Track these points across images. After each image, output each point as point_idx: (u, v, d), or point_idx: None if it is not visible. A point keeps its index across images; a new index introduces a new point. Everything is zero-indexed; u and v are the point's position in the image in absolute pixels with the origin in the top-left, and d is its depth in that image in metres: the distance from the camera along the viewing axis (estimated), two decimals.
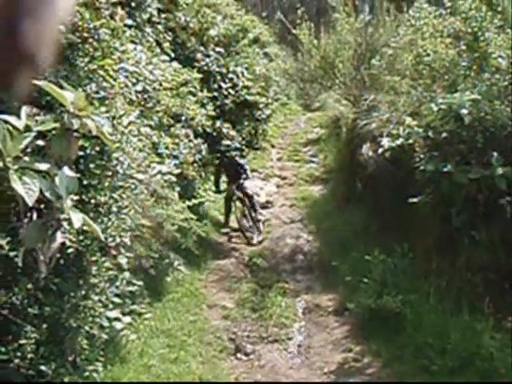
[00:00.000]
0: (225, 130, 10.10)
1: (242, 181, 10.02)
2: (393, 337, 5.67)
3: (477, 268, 5.56)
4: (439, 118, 5.90)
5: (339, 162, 11.21)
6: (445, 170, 5.56)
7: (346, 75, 10.37)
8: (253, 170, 12.35)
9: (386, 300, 5.98)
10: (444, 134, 5.81)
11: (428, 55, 7.25)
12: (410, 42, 8.09)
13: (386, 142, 6.62)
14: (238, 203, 10.00)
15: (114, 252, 3.86)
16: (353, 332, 6.31)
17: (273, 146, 15.63)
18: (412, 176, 6.12)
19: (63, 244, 2.84)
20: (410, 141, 6.18)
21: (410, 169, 6.10)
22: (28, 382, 3.36)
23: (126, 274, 5.22)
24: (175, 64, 7.92)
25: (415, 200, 6.00)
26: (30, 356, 3.16)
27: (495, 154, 5.38)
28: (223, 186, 10.47)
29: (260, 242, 9.50)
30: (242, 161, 10.39)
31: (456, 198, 5.64)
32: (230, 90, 10.75)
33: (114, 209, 3.49)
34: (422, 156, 5.96)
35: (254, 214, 9.98)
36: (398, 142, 6.33)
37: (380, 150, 6.83)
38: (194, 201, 7.02)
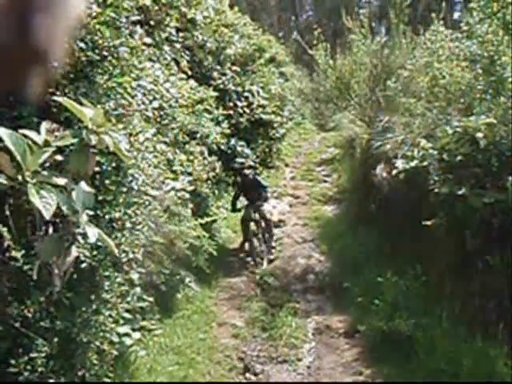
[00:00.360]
0: (239, 148, 10.14)
1: (261, 203, 9.68)
2: (404, 361, 5.60)
3: (491, 293, 5.49)
4: (454, 141, 5.88)
5: (353, 183, 11.20)
6: (459, 193, 5.52)
7: (361, 96, 10.41)
8: None
9: (398, 323, 5.91)
10: (459, 157, 5.78)
11: (444, 78, 7.26)
12: (425, 65, 8.11)
13: (400, 163, 6.61)
14: (253, 225, 9.67)
15: (126, 268, 3.87)
16: (363, 355, 6.24)
17: (287, 165, 15.66)
18: (426, 198, 6.09)
19: (77, 258, 2.87)
20: (425, 163, 6.16)
21: (424, 191, 6.08)
22: (31, 382, 3.35)
23: (137, 290, 5.22)
24: (192, 82, 8.01)
25: (429, 223, 5.96)
26: (40, 370, 3.16)
27: (510, 178, 5.34)
28: (239, 205, 10.10)
29: (271, 262, 9.35)
30: (264, 182, 10.11)
31: (470, 222, 5.60)
32: (246, 109, 10.82)
33: (128, 225, 3.51)
34: (436, 178, 5.93)
35: (268, 239, 9.65)
36: (413, 163, 6.31)
37: (394, 172, 6.81)
38: (207, 219, 7.03)
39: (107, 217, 3.31)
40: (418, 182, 6.42)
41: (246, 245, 9.74)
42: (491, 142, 5.57)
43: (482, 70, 6.58)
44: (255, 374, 6.04)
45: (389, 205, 7.83)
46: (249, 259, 9.44)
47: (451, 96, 7.06)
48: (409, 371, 5.44)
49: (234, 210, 9.98)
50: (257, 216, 9.61)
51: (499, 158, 5.57)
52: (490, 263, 5.50)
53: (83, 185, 2.49)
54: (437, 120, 6.88)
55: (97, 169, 3.04)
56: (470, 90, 6.74)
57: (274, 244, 9.82)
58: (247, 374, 6.03)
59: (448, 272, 6.03)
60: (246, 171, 9.84)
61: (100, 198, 3.20)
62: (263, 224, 9.68)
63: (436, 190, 5.83)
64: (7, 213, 2.57)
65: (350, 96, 10.52)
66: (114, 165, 3.23)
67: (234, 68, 10.78)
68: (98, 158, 2.90)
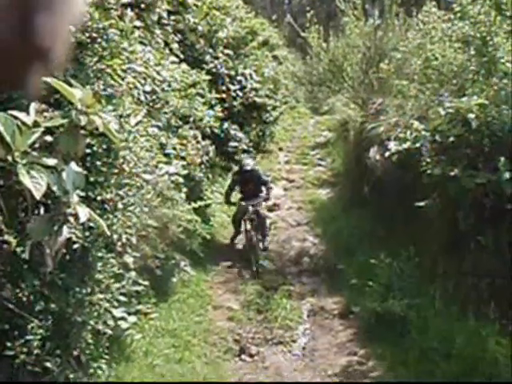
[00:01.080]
0: (233, 132, 10.12)
1: (258, 201, 8.80)
2: (398, 341, 5.66)
3: (483, 273, 5.55)
4: (446, 122, 5.89)
5: (347, 166, 11.21)
6: (452, 174, 5.55)
7: (354, 79, 10.39)
8: None
9: (392, 304, 5.97)
10: (451, 138, 5.80)
11: (436, 59, 7.25)
12: (418, 46, 8.09)
13: (393, 145, 6.62)
14: (247, 224, 8.70)
15: (119, 249, 3.89)
16: (358, 335, 6.30)
17: (280, 149, 15.64)
18: (419, 180, 6.11)
19: (69, 239, 2.88)
20: (417, 145, 6.17)
21: (417, 173, 6.09)
22: (37, 382, 3.38)
23: (132, 274, 5.24)
24: (184, 65, 7.96)
25: (422, 204, 5.99)
26: (35, 352, 3.19)
27: (502, 158, 5.36)
28: (234, 199, 9.21)
29: (265, 249, 8.81)
30: (265, 176, 9.23)
31: (463, 203, 5.63)
32: (239, 92, 10.79)
33: (120, 206, 3.52)
34: (428, 160, 5.95)
35: (261, 240, 8.75)
36: (405, 145, 6.32)
37: (387, 154, 6.82)
38: (200, 202, 7.04)
39: (99, 198, 3.32)
40: (411, 164, 6.43)
41: (238, 244, 9.09)
42: (483, 123, 5.58)
43: (475, 50, 6.57)
44: (251, 356, 6.09)
45: (382, 187, 7.86)
46: (237, 266, 8.46)
47: (444, 77, 7.05)
48: (402, 350, 5.51)
49: (229, 202, 9.21)
50: (253, 214, 8.68)
51: (491, 139, 5.59)
52: (482, 243, 5.54)
53: (73, 165, 2.49)
54: (429, 102, 6.88)
55: (87, 150, 3.04)
56: (463, 71, 6.74)
57: (267, 242, 8.94)
58: (243, 356, 6.09)
59: (441, 253, 6.08)
60: (246, 161, 9.08)
61: (91, 179, 3.20)
62: (256, 223, 8.71)
63: (429, 172, 5.85)
64: None
65: (344, 79, 10.50)
66: (104, 146, 3.23)
67: (227, 51, 10.72)
68: (88, 139, 2.90)
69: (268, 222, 9.32)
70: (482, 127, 5.58)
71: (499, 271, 5.46)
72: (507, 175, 5.27)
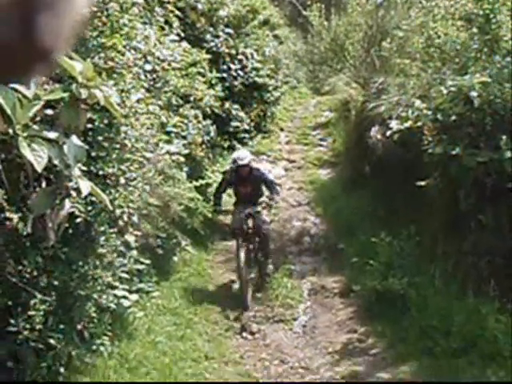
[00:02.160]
0: (234, 112, 10.08)
1: (259, 208, 7.04)
2: (398, 318, 5.71)
3: (483, 251, 5.56)
4: (448, 101, 5.85)
5: (348, 146, 11.18)
6: (453, 152, 5.53)
7: (355, 58, 10.31)
8: (261, 153, 12.35)
9: (392, 282, 6.00)
10: (453, 117, 5.77)
11: (439, 38, 7.18)
12: (420, 25, 8.00)
13: (394, 124, 6.59)
14: (242, 241, 6.77)
15: (121, 224, 3.90)
16: (358, 313, 6.35)
17: (282, 129, 15.58)
18: (420, 159, 6.10)
19: (71, 214, 2.89)
20: (419, 123, 6.14)
21: (419, 152, 6.08)
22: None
23: (134, 253, 5.27)
24: (184, 44, 7.91)
25: (423, 183, 5.98)
26: (38, 327, 3.22)
27: (504, 137, 5.34)
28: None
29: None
30: (270, 175, 7.39)
31: (464, 182, 5.62)
32: (239, 72, 10.73)
33: (122, 180, 3.53)
34: (430, 139, 5.93)
35: (263, 260, 7.09)
36: (407, 124, 6.29)
37: (388, 133, 6.80)
38: (202, 181, 7.04)
39: (100, 173, 3.33)
40: (413, 143, 6.41)
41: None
42: (485, 101, 5.55)
43: (478, 28, 6.51)
44: (252, 334, 6.15)
45: (383, 166, 7.85)
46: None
47: (446, 56, 6.99)
48: (402, 328, 5.56)
49: (218, 210, 7.32)
50: (250, 226, 6.87)
51: (493, 118, 5.56)
52: (482, 222, 5.55)
53: (75, 139, 2.49)
54: (431, 80, 6.83)
55: (89, 125, 3.04)
56: (465, 49, 6.67)
57: (269, 269, 7.25)
58: (244, 334, 6.15)
59: (441, 231, 6.09)
60: (240, 153, 7.26)
61: (93, 154, 3.21)
62: (256, 240, 7.00)
63: (430, 151, 5.83)
64: None
65: (345, 58, 10.41)
66: (106, 121, 3.23)
67: (227, 30, 10.64)
68: (89, 114, 2.89)
69: (270, 240, 7.43)
70: (484, 105, 5.55)
71: (499, 250, 5.47)
72: (509, 154, 5.26)
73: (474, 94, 5.49)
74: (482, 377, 4.57)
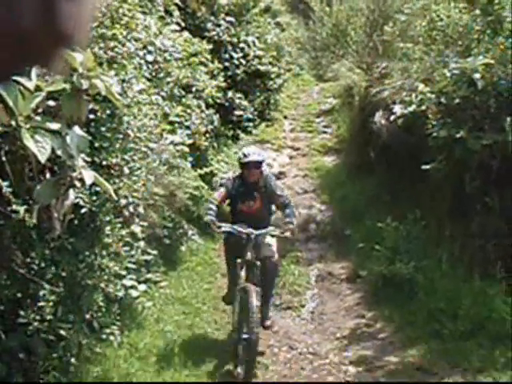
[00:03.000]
0: (237, 101, 10.06)
1: (265, 232, 5.19)
2: (405, 303, 5.73)
3: (489, 234, 5.56)
4: (452, 84, 5.83)
5: (352, 132, 11.14)
6: (458, 136, 5.51)
7: (358, 43, 10.26)
8: (265, 142, 12.34)
9: (399, 267, 6.01)
10: (457, 100, 5.74)
11: (441, 20, 7.12)
12: (423, 8, 7.95)
13: (398, 109, 6.57)
14: (240, 270, 5.22)
15: (126, 214, 3.93)
16: (365, 299, 6.37)
17: (285, 117, 15.53)
18: (425, 143, 6.08)
19: (76, 204, 2.91)
20: (423, 107, 6.12)
21: (423, 135, 6.06)
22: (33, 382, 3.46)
23: (141, 243, 5.30)
24: (186, 34, 7.89)
25: (428, 167, 5.96)
26: (48, 318, 3.25)
27: (508, 119, 5.32)
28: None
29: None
30: (280, 187, 5.57)
31: (469, 165, 5.61)
32: (242, 60, 10.69)
33: (126, 170, 3.55)
34: (434, 122, 5.91)
35: (266, 295, 5.30)
36: (411, 108, 6.27)
37: (392, 118, 6.78)
38: (206, 169, 7.05)
39: (104, 163, 3.35)
40: (417, 127, 6.39)
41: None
42: (489, 83, 5.52)
43: (480, 10, 6.45)
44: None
45: (388, 151, 7.82)
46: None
47: (449, 38, 6.94)
48: (410, 312, 5.58)
49: (208, 218, 5.27)
50: (251, 257, 5.12)
51: (497, 99, 5.54)
52: (488, 205, 5.55)
53: (77, 129, 2.51)
54: (435, 63, 6.79)
55: (91, 116, 3.05)
56: (468, 31, 6.62)
57: (271, 302, 5.76)
58: None
59: (447, 215, 6.08)
60: (248, 149, 5.50)
61: (96, 144, 3.23)
62: (257, 273, 5.17)
63: (434, 134, 5.81)
64: (3, 159, 2.61)
65: (347, 43, 10.37)
66: (108, 112, 3.24)
67: (229, 18, 10.59)
68: (92, 105, 2.91)
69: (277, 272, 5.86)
70: (487, 87, 5.52)
71: (506, 232, 5.47)
72: None
73: (477, 76, 5.46)
74: (490, 358, 4.59)
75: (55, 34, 0.59)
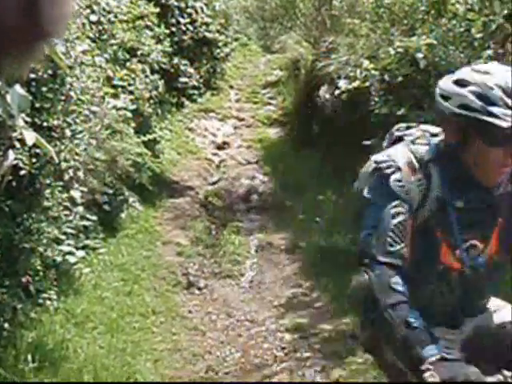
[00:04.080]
0: (182, 68, 9.90)
1: None
2: (341, 273, 5.90)
3: None
4: (395, 62, 5.96)
5: (297, 105, 11.22)
6: (398, 113, 5.67)
7: (306, 16, 10.26)
8: (210, 111, 12.26)
9: (336, 239, 6.18)
10: (399, 78, 5.89)
11: None
12: None
13: (343, 84, 6.67)
14: None
15: (66, 177, 3.85)
16: (303, 269, 6.52)
17: (231, 87, 15.43)
18: (367, 119, 6.21)
19: (15, 166, 2.82)
20: (367, 84, 6.24)
21: (366, 112, 6.19)
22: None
23: (80, 209, 5.20)
24: None
25: (368, 143, 6.11)
26: None
27: None
28: None
29: (215, 183, 8.67)
30: None
31: None
32: (189, 26, 10.49)
33: (68, 133, 3.45)
34: (377, 99, 6.04)
35: None
36: (355, 84, 6.38)
37: (337, 92, 6.88)
38: (149, 136, 6.95)
39: (45, 124, 3.24)
40: (360, 103, 6.52)
41: None
42: (431, 63, 5.68)
43: None
44: (199, 289, 6.24)
45: (331, 126, 7.95)
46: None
47: (395, 17, 7.07)
48: (344, 283, 5.75)
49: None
50: None
51: (438, 79, 5.69)
52: None
53: (18, 88, 2.41)
54: (380, 41, 6.91)
55: (32, 75, 2.94)
56: (414, 10, 6.76)
57: None
58: (191, 289, 6.23)
59: None
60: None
61: (37, 105, 3.11)
62: None
63: (376, 111, 5.95)
64: None
65: (296, 15, 10.35)
66: (50, 72, 3.12)
67: None
68: (32, 64, 2.79)
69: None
70: (429, 67, 5.68)
71: None
72: None
73: (419, 55, 5.60)
74: None
75: (37, 30, 0.63)
